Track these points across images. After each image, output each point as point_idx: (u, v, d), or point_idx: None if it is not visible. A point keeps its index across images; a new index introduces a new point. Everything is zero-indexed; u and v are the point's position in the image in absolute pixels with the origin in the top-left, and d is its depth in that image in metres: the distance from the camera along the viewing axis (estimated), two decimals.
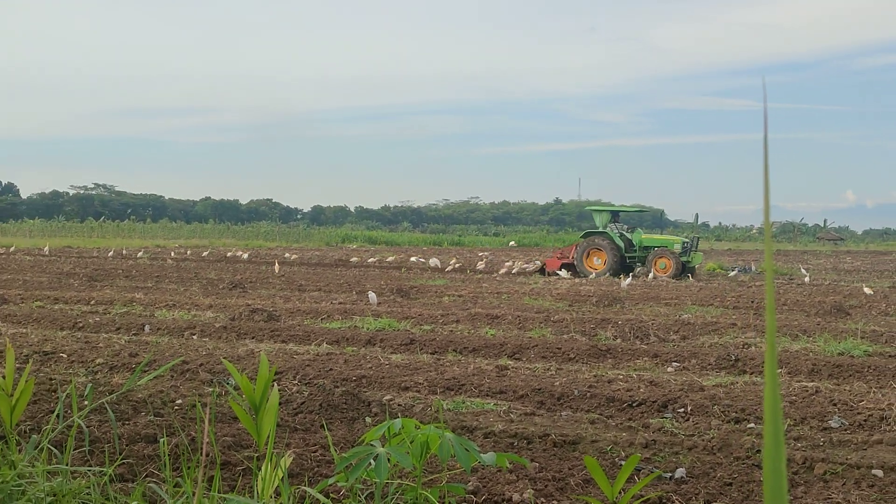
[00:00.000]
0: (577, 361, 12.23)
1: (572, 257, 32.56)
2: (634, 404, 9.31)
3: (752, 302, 20.92)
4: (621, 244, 31.83)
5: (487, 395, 9.82)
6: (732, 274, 33.49)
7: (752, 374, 11.41)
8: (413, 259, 37.95)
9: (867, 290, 25.75)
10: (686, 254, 31.33)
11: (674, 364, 12.01)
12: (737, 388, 10.12)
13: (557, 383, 10.24)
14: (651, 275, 30.27)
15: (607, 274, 31.01)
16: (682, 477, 6.72)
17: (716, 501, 6.23)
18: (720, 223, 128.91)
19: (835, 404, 9.24)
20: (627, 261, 32.08)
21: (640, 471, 6.80)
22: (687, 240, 32.51)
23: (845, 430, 8.44)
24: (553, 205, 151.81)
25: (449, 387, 10.16)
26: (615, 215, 33.24)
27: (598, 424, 8.56)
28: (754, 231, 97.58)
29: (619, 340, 14.01)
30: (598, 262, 31.82)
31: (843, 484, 6.66)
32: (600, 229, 32.35)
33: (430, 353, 12.73)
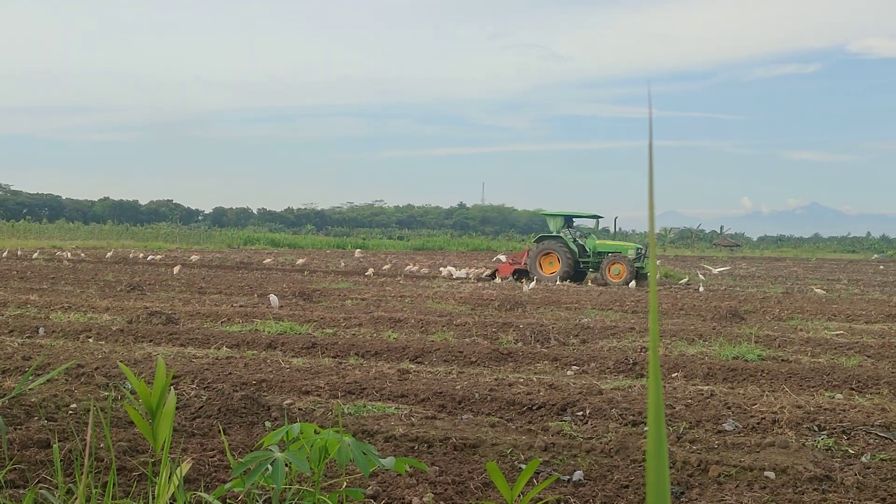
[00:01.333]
0: (479, 365, 12.29)
1: (524, 263, 32.30)
2: (534, 407, 9.39)
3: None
4: (575, 249, 31.58)
5: (389, 399, 9.81)
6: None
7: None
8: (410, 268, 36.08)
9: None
10: (640, 260, 31.16)
11: (573, 367, 12.15)
12: (634, 392, 10.28)
13: (459, 387, 10.28)
14: (606, 279, 30.41)
15: (561, 279, 30.79)
16: (580, 480, 6.80)
17: None
18: (620, 228, 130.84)
19: (729, 407, 9.45)
20: (581, 266, 31.89)
21: (539, 473, 6.87)
22: (640, 246, 32.41)
23: (739, 432, 8.62)
24: (457, 209, 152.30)
25: (350, 391, 10.12)
26: (568, 220, 32.94)
27: (499, 428, 8.61)
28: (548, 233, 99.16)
29: (520, 344, 14.12)
30: (551, 267, 31.53)
31: (737, 486, 6.80)
32: (554, 234, 32.06)
33: (332, 357, 12.67)
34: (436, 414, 9.15)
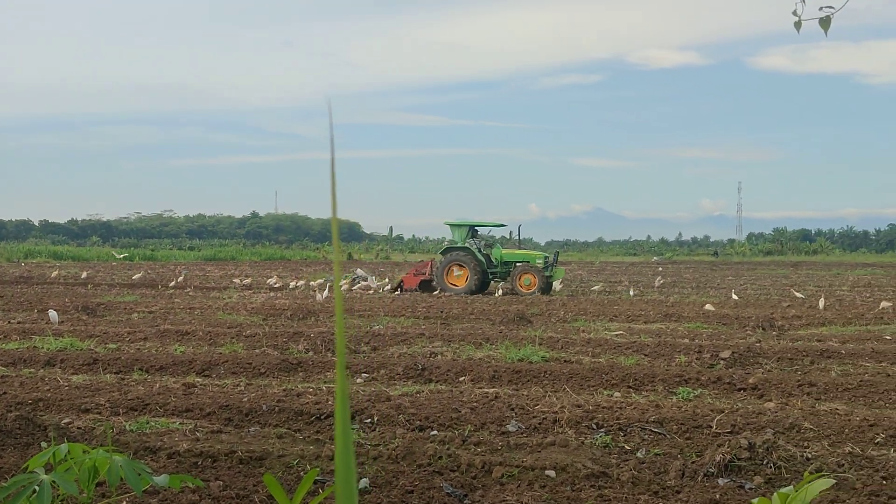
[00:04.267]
0: (268, 376, 12.17)
1: (429, 274, 31.43)
2: (323, 417, 9.36)
3: (442, 312, 21.54)
4: (483, 259, 30.83)
5: (173, 415, 9.59)
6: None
7: (437, 382, 11.76)
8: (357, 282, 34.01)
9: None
10: (548, 269, 30.66)
11: (363, 375, 12.19)
12: (422, 397, 10.40)
13: (246, 399, 10.15)
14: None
15: (470, 290, 29.97)
16: (365, 487, 6.82)
17: None
18: (413, 235, 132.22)
19: (513, 409, 9.68)
20: (490, 277, 31.20)
21: (324, 483, 6.85)
22: (548, 255, 32.13)
23: (522, 433, 8.85)
24: (250, 218, 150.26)
25: (133, 407, 9.84)
26: (473, 230, 32.12)
27: (286, 439, 8.54)
28: (446, 243, 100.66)
29: (311, 353, 14.05)
30: (459, 278, 30.60)
31: (518, 486, 6.98)
32: (459, 244, 31.21)
33: (115, 373, 12.29)
34: (222, 427, 9.01)
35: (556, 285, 31.28)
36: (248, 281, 34.89)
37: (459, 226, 31.81)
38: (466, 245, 30.98)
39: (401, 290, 30.91)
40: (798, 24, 4.06)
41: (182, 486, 6.39)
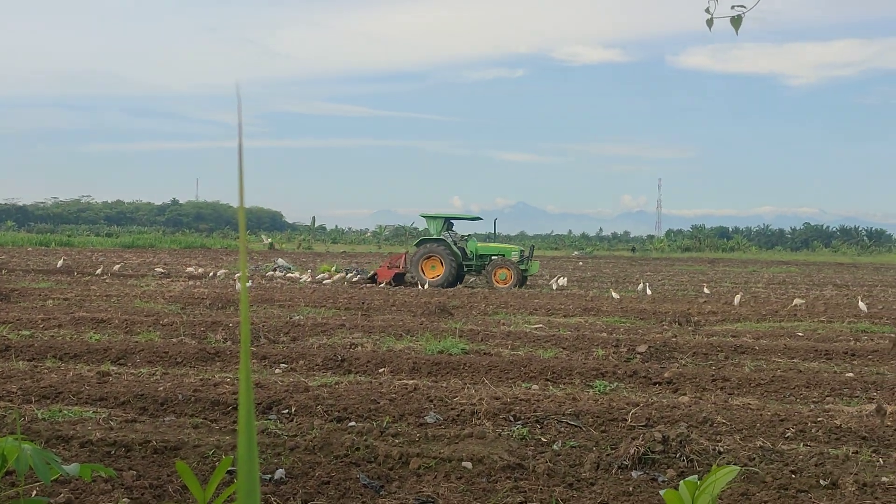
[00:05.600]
0: (185, 365, 12.04)
1: (403, 266, 31.02)
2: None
3: (363, 303, 21.50)
4: (458, 252, 30.48)
5: (87, 403, 9.44)
6: (349, 276, 33.81)
7: (356, 373, 11.75)
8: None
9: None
10: (524, 262, 30.51)
11: (282, 365, 12.12)
12: (341, 388, 10.37)
13: (162, 388, 10.03)
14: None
15: (445, 283, 29.64)
16: (281, 478, 6.79)
17: (313, 500, 6.35)
18: (336, 226, 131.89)
19: (432, 401, 9.70)
20: (465, 269, 30.89)
21: None
22: (523, 248, 31.89)
23: (440, 425, 8.87)
24: (170, 205, 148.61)
25: (45, 395, 9.67)
26: (448, 222, 31.74)
27: (202, 429, 8.46)
28: (368, 234, 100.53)
29: (229, 343, 13.93)
30: (433, 271, 30.16)
31: (435, 477, 7.00)
32: (434, 236, 30.81)
33: (28, 360, 12.05)
34: (137, 417, 8.88)
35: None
36: (166, 269, 34.45)
37: (434, 218, 31.52)
38: (441, 237, 30.75)
39: (375, 283, 30.39)
40: (710, 22, 4.13)
41: (94, 476, 6.30)
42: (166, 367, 11.86)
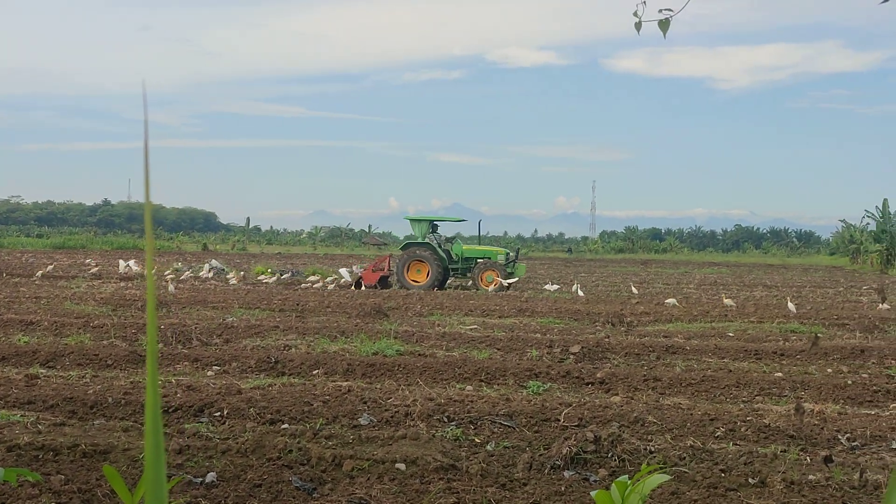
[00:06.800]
0: (115, 368, 11.89)
1: (388, 270, 30.42)
2: (171, 410, 9.20)
3: (297, 305, 21.39)
4: (444, 256, 30.07)
5: (14, 406, 9.28)
6: (284, 277, 33.44)
7: (290, 375, 11.69)
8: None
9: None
10: (510, 265, 30.19)
11: (214, 368, 12.02)
12: (274, 390, 10.31)
13: (91, 391, 9.90)
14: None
15: (432, 287, 29.16)
16: (213, 481, 6.73)
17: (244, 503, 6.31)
18: (272, 227, 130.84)
19: (366, 402, 9.68)
20: (450, 272, 30.45)
21: (170, 477, 6.72)
22: (510, 251, 31.63)
23: (374, 426, 8.86)
24: (102, 206, 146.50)
25: None
26: (433, 225, 31.29)
27: (133, 432, 8.35)
28: (304, 235, 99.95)
29: (160, 345, 13.77)
30: (419, 275, 29.76)
31: (368, 479, 6.99)
32: (420, 240, 30.36)
33: None
34: (65, 420, 8.77)
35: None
36: (97, 270, 33.93)
37: (420, 221, 31.12)
38: (427, 241, 30.36)
39: (360, 287, 29.69)
40: (638, 26, 4.17)
41: (20, 481, 6.20)
42: (96, 370, 11.71)
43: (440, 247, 30.58)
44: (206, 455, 7.48)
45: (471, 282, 30.24)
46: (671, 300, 24.24)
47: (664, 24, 4.16)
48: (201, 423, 8.82)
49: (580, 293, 27.77)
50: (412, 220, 31.56)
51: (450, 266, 30.49)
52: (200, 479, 6.77)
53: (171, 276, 32.19)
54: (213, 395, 9.84)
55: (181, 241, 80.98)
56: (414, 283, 29.61)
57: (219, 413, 9.16)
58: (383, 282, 30.36)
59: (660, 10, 4.13)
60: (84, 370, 11.65)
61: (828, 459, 7.13)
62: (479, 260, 30.51)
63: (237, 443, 7.83)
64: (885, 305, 23.76)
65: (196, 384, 10.59)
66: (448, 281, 30.56)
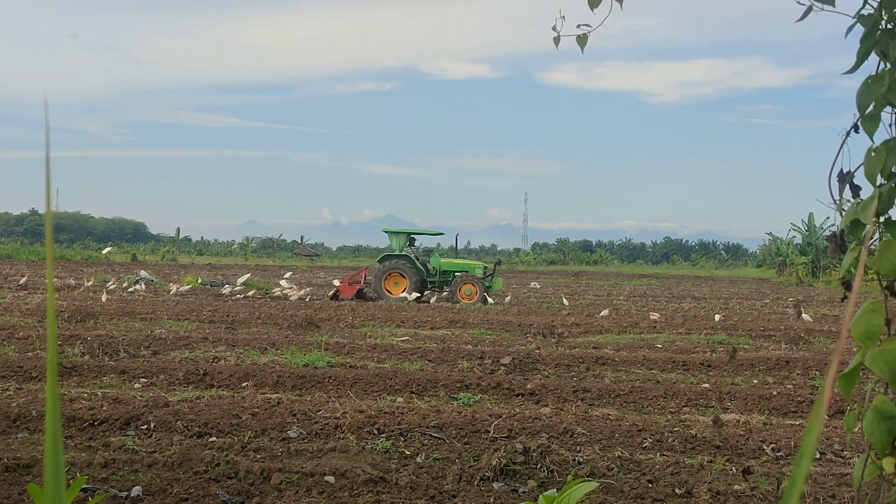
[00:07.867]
0: (40, 380, 11.67)
1: (364, 282, 30.31)
2: (97, 423, 9.07)
3: (227, 316, 21.20)
4: (421, 268, 29.99)
5: None
6: (213, 288, 33.18)
7: (219, 387, 11.58)
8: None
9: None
10: (488, 279, 30.04)
11: (142, 380, 11.87)
12: (202, 403, 10.20)
13: (15, 404, 9.71)
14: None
15: (410, 299, 28.81)
16: (138, 495, 6.65)
17: None
18: (202, 237, 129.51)
19: (295, 415, 9.63)
20: (429, 286, 30.28)
21: (94, 491, 6.63)
22: (487, 265, 31.46)
23: (303, 439, 8.81)
24: (29, 215, 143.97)
25: None
26: (411, 238, 31.26)
27: None
28: (235, 246, 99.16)
29: (87, 357, 13.56)
30: (397, 287, 29.65)
31: (297, 492, 6.95)
32: (398, 252, 30.23)
33: None
34: None
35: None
36: (24, 280, 33.29)
37: (397, 233, 31.13)
38: (405, 253, 30.37)
39: (336, 299, 29.54)
40: (557, 40, 4.22)
41: None
42: (20, 383, 11.49)
43: (417, 259, 30.66)
44: (131, 469, 7.38)
45: (446, 293, 30.09)
46: (605, 312, 24.45)
47: (582, 40, 4.21)
48: (127, 436, 8.70)
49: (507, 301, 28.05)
50: (390, 233, 31.55)
51: (427, 279, 30.52)
52: (126, 494, 6.67)
53: (112, 286, 31.91)
54: (140, 407, 9.71)
55: (110, 251, 79.75)
56: (390, 295, 29.64)
57: (145, 426, 9.04)
58: (359, 293, 30.32)
59: (578, 26, 4.18)
60: (7, 382, 11.43)
61: (746, 471, 7.23)
62: (457, 273, 30.57)
63: (164, 456, 7.74)
64: (807, 316, 24.15)
65: (122, 397, 10.44)
66: (426, 293, 30.29)
